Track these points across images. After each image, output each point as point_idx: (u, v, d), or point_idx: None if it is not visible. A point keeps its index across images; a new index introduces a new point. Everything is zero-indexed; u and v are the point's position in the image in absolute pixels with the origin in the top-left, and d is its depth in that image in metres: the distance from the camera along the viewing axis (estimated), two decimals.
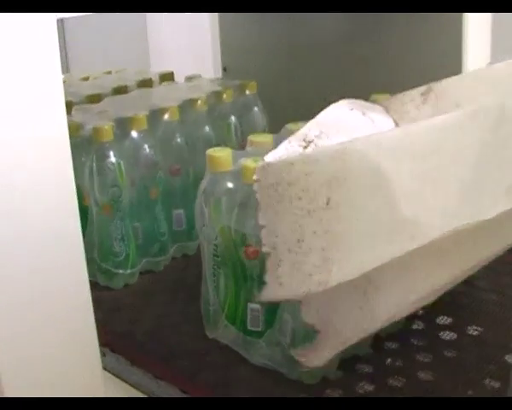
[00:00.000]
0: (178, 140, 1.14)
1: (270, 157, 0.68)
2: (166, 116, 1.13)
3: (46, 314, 0.73)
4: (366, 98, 0.94)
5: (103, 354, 0.85)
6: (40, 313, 0.73)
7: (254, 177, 0.64)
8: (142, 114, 1.09)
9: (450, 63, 1.13)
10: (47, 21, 0.70)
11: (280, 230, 0.65)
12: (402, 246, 0.70)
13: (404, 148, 0.69)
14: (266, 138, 0.87)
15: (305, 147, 0.74)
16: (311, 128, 0.76)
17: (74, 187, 0.75)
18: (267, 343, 0.84)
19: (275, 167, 0.64)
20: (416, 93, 0.89)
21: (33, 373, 0.73)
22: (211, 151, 0.85)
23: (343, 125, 0.79)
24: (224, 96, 1.23)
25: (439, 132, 0.72)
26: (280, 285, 0.65)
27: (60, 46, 0.69)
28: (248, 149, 0.87)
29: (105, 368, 0.84)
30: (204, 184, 0.85)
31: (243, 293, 0.84)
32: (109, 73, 1.45)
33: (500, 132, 0.77)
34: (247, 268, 0.83)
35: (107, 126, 1.04)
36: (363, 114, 0.83)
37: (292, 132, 0.83)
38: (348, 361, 0.83)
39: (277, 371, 0.83)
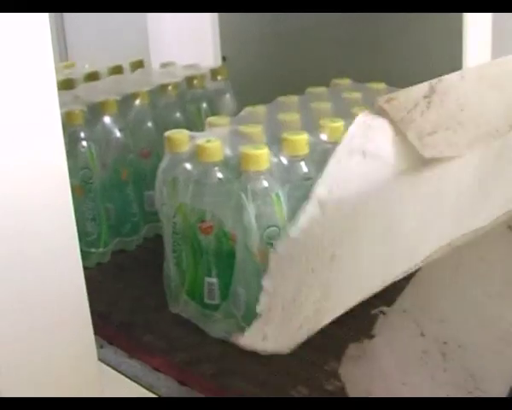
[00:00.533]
0: (149, 124, 1.17)
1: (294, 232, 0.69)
2: (137, 101, 1.16)
3: (39, 307, 0.72)
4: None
5: (100, 346, 0.87)
6: (33, 306, 0.71)
7: (271, 250, 0.68)
8: (113, 99, 1.12)
9: (451, 63, 1.13)
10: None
11: (280, 291, 0.66)
12: (398, 270, 0.73)
13: (407, 191, 0.71)
14: (223, 121, 0.91)
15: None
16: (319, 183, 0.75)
17: (67, 175, 0.74)
18: (223, 316, 0.87)
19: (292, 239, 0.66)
20: (419, 96, 0.83)
21: (28, 367, 0.72)
22: (169, 133, 0.88)
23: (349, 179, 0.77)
24: (195, 81, 1.25)
25: (440, 180, 0.73)
26: (264, 339, 0.68)
27: (58, 35, 0.69)
28: (206, 130, 0.90)
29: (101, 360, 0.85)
30: (162, 164, 0.88)
31: (201, 268, 0.88)
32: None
33: (502, 158, 0.79)
34: (202, 244, 0.86)
35: (78, 111, 1.07)
36: (364, 156, 0.77)
37: (251, 113, 0.86)
38: None
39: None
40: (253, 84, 1.38)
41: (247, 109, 0.94)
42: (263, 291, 0.66)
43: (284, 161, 0.84)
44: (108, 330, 0.92)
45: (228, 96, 1.31)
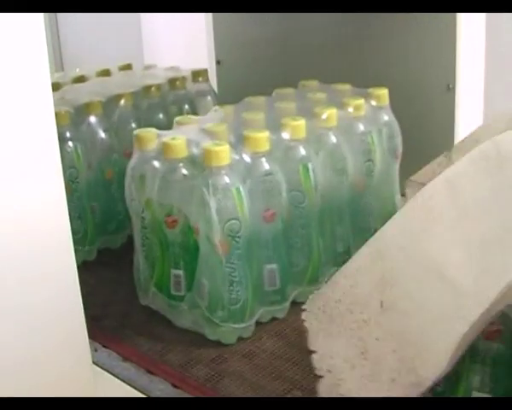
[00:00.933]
0: (133, 125, 1.19)
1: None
2: (121, 102, 1.20)
3: (35, 310, 0.72)
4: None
5: (95, 350, 0.89)
6: (29, 309, 0.71)
7: (303, 307, 0.65)
8: (98, 100, 1.15)
9: (444, 61, 1.15)
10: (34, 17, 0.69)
11: (335, 350, 0.63)
12: (469, 319, 0.67)
13: (435, 222, 0.68)
14: (191, 120, 0.95)
15: None
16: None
17: (62, 176, 0.76)
18: (189, 307, 0.91)
19: (319, 291, 0.65)
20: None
21: (22, 370, 0.71)
22: (137, 131, 0.92)
23: None
24: (177, 83, 1.29)
25: (458, 191, 0.70)
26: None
27: (53, 39, 0.70)
28: (174, 129, 0.94)
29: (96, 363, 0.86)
30: (131, 161, 0.92)
31: (167, 261, 0.91)
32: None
33: (503, 175, 0.75)
34: (168, 237, 0.90)
35: (64, 111, 1.10)
36: None
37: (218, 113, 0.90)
38: None
39: (199, 332, 0.90)
40: (246, 87, 1.40)
41: (215, 108, 0.97)
42: (310, 353, 0.64)
43: (246, 157, 0.88)
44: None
45: (209, 97, 1.34)
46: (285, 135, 0.92)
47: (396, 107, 1.08)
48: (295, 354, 0.87)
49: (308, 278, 0.96)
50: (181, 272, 0.91)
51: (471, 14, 1.13)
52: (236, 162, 0.87)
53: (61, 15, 2.16)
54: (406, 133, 1.07)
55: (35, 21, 0.68)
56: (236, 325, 0.89)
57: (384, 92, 1.05)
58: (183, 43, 1.75)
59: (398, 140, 1.06)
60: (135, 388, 0.83)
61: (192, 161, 0.88)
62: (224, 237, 0.85)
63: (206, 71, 1.35)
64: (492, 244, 0.69)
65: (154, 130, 0.92)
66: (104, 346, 0.90)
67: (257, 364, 0.85)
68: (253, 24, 1.42)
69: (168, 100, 1.28)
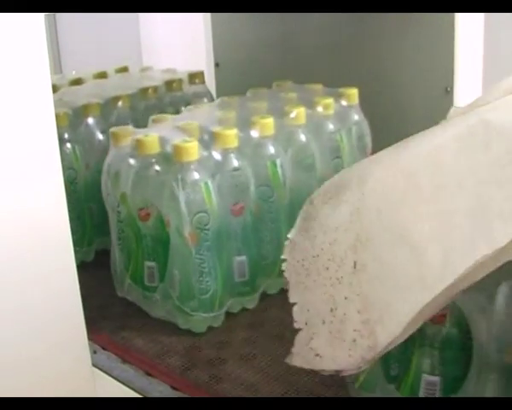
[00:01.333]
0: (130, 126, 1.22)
1: (292, 233, 0.66)
2: (119, 104, 1.22)
3: (34, 311, 0.73)
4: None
5: (94, 352, 0.90)
6: (28, 311, 0.72)
7: (282, 256, 0.65)
8: (96, 102, 1.17)
9: (442, 64, 1.16)
10: (35, 18, 0.70)
11: (311, 304, 0.65)
12: (433, 289, 0.68)
13: (413, 193, 0.70)
14: (165, 118, 0.99)
15: None
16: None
17: (62, 177, 0.77)
18: (162, 297, 0.95)
19: (299, 244, 0.65)
20: None
21: (22, 371, 0.72)
22: (113, 129, 0.97)
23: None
24: (174, 85, 1.33)
25: (441, 167, 0.72)
26: (317, 356, 0.65)
27: (52, 41, 0.71)
28: (149, 127, 0.99)
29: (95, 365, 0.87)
30: (108, 157, 0.97)
31: (141, 253, 0.96)
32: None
33: (491, 151, 0.75)
34: (142, 230, 0.94)
35: (63, 113, 1.11)
36: None
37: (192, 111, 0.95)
38: None
39: (172, 322, 0.94)
40: (245, 90, 1.43)
41: (189, 108, 1.02)
42: (292, 305, 0.66)
43: (215, 153, 0.92)
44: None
45: (205, 99, 1.36)
46: (254, 132, 0.95)
47: (394, 110, 1.09)
48: (264, 342, 0.91)
49: (278, 270, 0.98)
50: (154, 264, 0.95)
51: (469, 18, 1.13)
52: (206, 158, 0.91)
53: (60, 18, 2.16)
54: (404, 136, 1.07)
55: (36, 24, 0.70)
56: (206, 315, 0.93)
57: (354, 92, 1.09)
58: (181, 46, 1.77)
59: (368, 139, 1.09)
60: (134, 389, 0.84)
61: (164, 157, 0.92)
62: (193, 229, 0.89)
63: (202, 73, 1.38)
64: (465, 220, 0.71)
65: (130, 127, 0.96)
66: (103, 348, 0.92)
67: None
68: (251, 26, 1.45)
69: (165, 102, 1.31)
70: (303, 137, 1.00)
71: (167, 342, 0.92)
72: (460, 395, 0.72)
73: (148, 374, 0.86)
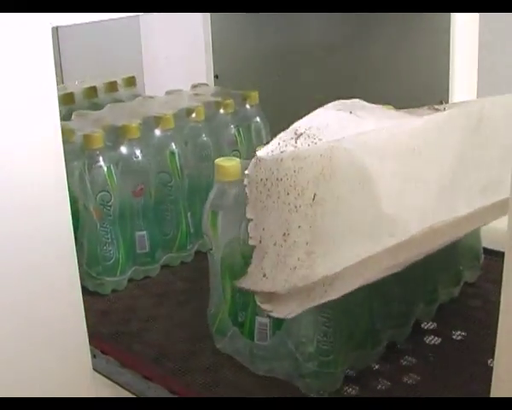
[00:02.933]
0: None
1: (262, 152, 0.65)
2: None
3: (36, 316, 0.74)
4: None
5: (93, 356, 0.91)
6: (31, 316, 0.73)
7: (246, 172, 0.64)
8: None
9: (438, 61, 1.16)
10: (42, 29, 0.72)
11: (267, 224, 0.64)
12: (381, 243, 0.71)
13: (389, 148, 0.71)
14: (88, 113, 1.18)
15: (296, 139, 0.68)
16: (301, 124, 0.71)
17: (67, 191, 0.78)
18: None
19: (265, 163, 0.64)
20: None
21: (24, 375, 0.73)
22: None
23: (331, 122, 0.73)
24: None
25: (422, 133, 0.74)
26: (263, 277, 0.66)
27: (54, 54, 0.73)
28: (73, 120, 1.16)
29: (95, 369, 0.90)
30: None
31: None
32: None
33: (480, 133, 0.80)
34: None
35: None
36: (350, 112, 0.76)
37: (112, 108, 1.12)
38: None
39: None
40: None
41: (109, 106, 1.20)
42: (248, 220, 0.65)
43: (119, 143, 1.09)
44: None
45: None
46: (156, 126, 1.13)
47: None
48: (163, 309, 1.04)
49: (177, 245, 1.16)
50: None
51: (464, 30, 1.13)
52: (110, 147, 1.08)
53: (62, 26, 2.22)
54: None
55: (43, 34, 0.73)
56: (110, 279, 1.09)
57: (255, 94, 1.27)
58: (181, 57, 1.79)
59: (268, 137, 1.25)
60: (133, 393, 0.87)
61: (77, 146, 1.09)
62: (97, 205, 1.06)
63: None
64: (433, 186, 0.75)
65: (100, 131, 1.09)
66: (103, 352, 0.94)
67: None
68: (250, 38, 1.49)
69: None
70: (201, 132, 1.18)
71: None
72: (282, 330, 0.83)
73: (146, 378, 0.88)
